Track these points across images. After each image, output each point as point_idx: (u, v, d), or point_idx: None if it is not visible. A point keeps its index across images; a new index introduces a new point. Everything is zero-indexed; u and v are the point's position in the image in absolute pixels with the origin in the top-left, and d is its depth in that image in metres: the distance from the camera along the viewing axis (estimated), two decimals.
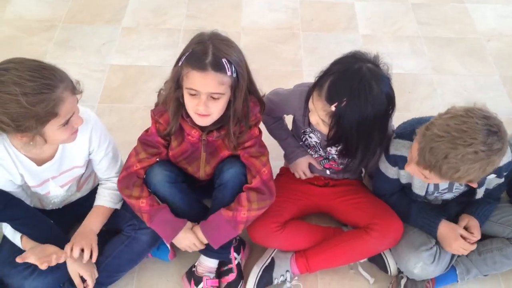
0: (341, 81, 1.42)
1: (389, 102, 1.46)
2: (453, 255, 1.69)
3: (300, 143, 1.77)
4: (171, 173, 1.61)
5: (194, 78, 1.39)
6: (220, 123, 1.53)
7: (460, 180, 1.35)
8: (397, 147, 1.57)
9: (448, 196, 1.70)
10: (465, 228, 1.66)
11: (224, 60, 1.38)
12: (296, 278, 1.73)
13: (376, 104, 1.42)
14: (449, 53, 2.64)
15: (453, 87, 2.47)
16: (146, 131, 1.64)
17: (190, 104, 1.44)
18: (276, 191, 1.75)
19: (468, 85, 2.48)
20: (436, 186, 1.64)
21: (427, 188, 1.64)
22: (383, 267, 1.74)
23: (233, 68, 1.40)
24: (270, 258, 1.74)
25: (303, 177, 1.81)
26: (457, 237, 1.62)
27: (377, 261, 1.75)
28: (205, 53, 1.37)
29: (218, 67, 1.37)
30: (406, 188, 1.69)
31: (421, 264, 1.61)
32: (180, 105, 1.50)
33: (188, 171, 1.67)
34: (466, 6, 2.93)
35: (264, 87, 2.43)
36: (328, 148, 1.69)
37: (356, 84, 1.41)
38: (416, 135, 1.41)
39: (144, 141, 1.62)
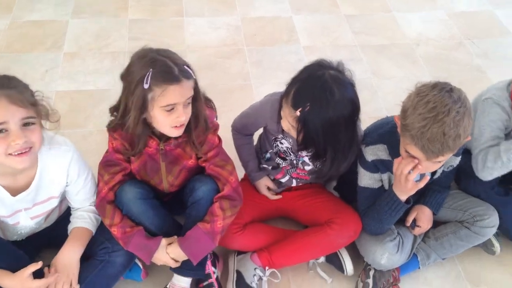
0: (305, 87, 1.51)
1: (353, 107, 1.54)
2: (413, 243, 1.81)
3: (271, 150, 1.82)
4: (142, 189, 1.61)
5: (172, 92, 1.40)
6: None
7: (464, 140, 1.43)
8: (374, 152, 1.65)
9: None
10: (414, 220, 1.79)
11: (185, 67, 1.44)
12: (267, 268, 1.77)
13: (338, 108, 1.50)
14: (384, 58, 2.83)
15: (391, 89, 2.64)
16: (106, 152, 1.64)
17: (168, 120, 1.45)
18: None
19: (404, 86, 2.65)
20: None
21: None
22: (340, 267, 1.82)
23: (192, 70, 1.47)
24: (234, 272, 1.78)
25: (267, 194, 1.87)
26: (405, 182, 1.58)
27: (334, 262, 1.83)
28: (169, 66, 1.40)
29: (187, 74, 1.43)
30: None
31: (387, 255, 1.71)
32: (147, 125, 1.51)
33: (152, 184, 1.68)
34: (394, 15, 3.15)
35: (217, 102, 2.50)
36: (299, 152, 1.76)
37: (318, 89, 1.49)
38: (401, 140, 1.49)
39: (104, 163, 1.62)
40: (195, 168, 1.67)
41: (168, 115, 1.44)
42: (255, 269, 1.76)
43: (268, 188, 1.88)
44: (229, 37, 2.90)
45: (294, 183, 1.87)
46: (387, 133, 1.66)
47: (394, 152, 1.61)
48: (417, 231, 1.80)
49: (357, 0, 3.25)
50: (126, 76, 1.46)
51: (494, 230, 1.79)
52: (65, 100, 2.46)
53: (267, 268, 1.77)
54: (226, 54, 2.79)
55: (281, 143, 1.78)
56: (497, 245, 1.87)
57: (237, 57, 2.76)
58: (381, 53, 2.86)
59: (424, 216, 1.79)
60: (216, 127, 1.64)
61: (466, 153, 1.83)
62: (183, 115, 1.44)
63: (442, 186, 1.83)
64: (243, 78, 2.65)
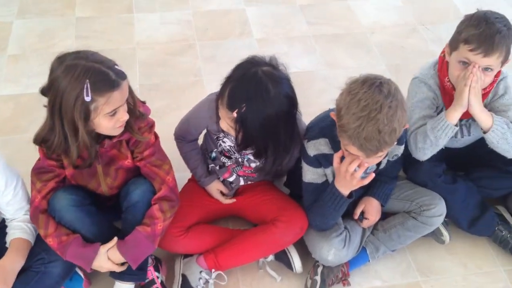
0: (239, 87, 1.48)
1: (290, 102, 1.52)
2: (362, 237, 1.78)
3: (215, 150, 1.78)
4: (76, 196, 1.55)
5: (115, 98, 1.38)
6: None
7: (401, 131, 1.44)
8: (316, 147, 1.63)
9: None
10: (362, 213, 1.77)
11: (116, 67, 1.40)
12: (213, 270, 1.74)
13: (275, 105, 1.48)
14: (338, 48, 2.79)
15: (345, 80, 2.59)
16: (39, 159, 1.58)
17: (111, 124, 1.42)
18: (183, 196, 1.78)
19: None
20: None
21: None
22: (289, 265, 1.79)
23: (121, 68, 1.43)
24: (180, 276, 1.74)
25: (220, 199, 1.83)
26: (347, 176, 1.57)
27: (283, 259, 1.80)
28: (104, 73, 1.36)
29: (123, 75, 1.40)
30: None
31: (333, 251, 1.69)
32: (90, 133, 1.45)
33: (90, 188, 1.62)
34: (349, 3, 3.11)
35: (168, 100, 2.44)
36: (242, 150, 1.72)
37: (253, 88, 1.47)
38: (341, 140, 1.48)
39: (36, 170, 1.57)
40: (133, 168, 1.62)
41: (112, 119, 1.42)
42: (200, 272, 1.72)
43: (222, 193, 1.84)
44: (181, 32, 2.83)
45: (242, 182, 1.83)
46: (328, 126, 1.62)
47: (336, 145, 1.58)
48: (366, 223, 1.78)
49: None
50: (54, 91, 1.37)
51: (441, 219, 1.78)
52: (8, 104, 2.38)
53: (213, 270, 1.73)
54: (177, 50, 2.72)
55: (223, 142, 1.74)
56: (446, 234, 1.86)
57: (188, 53, 2.70)
58: (336, 43, 2.82)
59: (372, 208, 1.77)
60: (151, 125, 1.60)
61: None
62: (126, 115, 1.44)
63: (389, 176, 1.81)
64: (195, 74, 2.60)
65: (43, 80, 2.55)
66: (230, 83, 1.49)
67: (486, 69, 1.62)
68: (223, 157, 1.79)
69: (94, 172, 1.59)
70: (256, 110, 1.47)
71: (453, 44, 1.67)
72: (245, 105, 1.46)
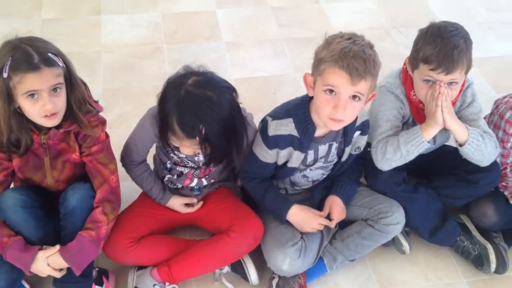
0: (183, 115, 1.44)
1: (230, 91, 1.51)
2: (319, 247, 1.73)
3: (169, 161, 1.73)
4: (26, 197, 1.53)
5: (30, 80, 1.37)
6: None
7: (378, 72, 1.50)
8: (276, 128, 1.60)
9: (317, 174, 1.76)
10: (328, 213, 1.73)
11: (49, 55, 1.40)
12: (167, 284, 1.69)
13: (224, 105, 1.47)
14: (309, 51, 2.71)
15: None
16: None
17: (35, 109, 1.41)
18: (135, 206, 1.77)
19: None
20: (316, 155, 1.68)
21: (304, 161, 1.68)
22: (244, 276, 1.75)
23: (60, 58, 1.43)
24: None
25: (188, 211, 1.79)
26: (310, 216, 1.68)
27: (239, 271, 1.75)
28: (29, 55, 1.38)
29: (49, 62, 1.39)
30: (280, 170, 1.71)
31: (288, 260, 1.63)
32: (22, 117, 1.45)
33: (35, 181, 1.60)
34: (322, 6, 3.07)
35: (131, 105, 2.39)
36: (196, 158, 1.68)
37: (196, 106, 1.44)
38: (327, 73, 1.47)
39: None
40: (80, 163, 1.61)
41: (33, 103, 1.41)
42: (154, 285, 1.67)
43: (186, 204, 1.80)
44: (148, 35, 2.77)
45: (205, 182, 1.79)
46: (293, 106, 1.62)
47: (300, 125, 1.58)
48: (333, 223, 1.73)
49: None
50: None
51: (399, 227, 1.73)
52: None
53: (167, 284, 1.68)
54: (144, 53, 2.67)
55: (174, 154, 1.69)
56: (405, 244, 1.81)
57: (155, 57, 2.65)
58: (306, 46, 2.76)
59: (337, 206, 1.73)
60: (101, 121, 1.59)
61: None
62: (49, 103, 1.41)
63: (351, 179, 1.78)
64: (160, 78, 2.49)
65: None
66: (172, 117, 1.45)
67: (451, 83, 1.60)
68: (178, 167, 1.74)
69: (40, 164, 1.57)
70: (214, 122, 1.44)
71: (414, 63, 1.64)
72: (201, 125, 1.43)
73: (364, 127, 1.70)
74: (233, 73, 2.59)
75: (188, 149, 1.54)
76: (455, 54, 1.55)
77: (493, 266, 1.79)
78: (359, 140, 1.71)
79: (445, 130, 1.69)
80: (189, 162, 1.71)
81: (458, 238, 1.85)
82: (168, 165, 1.75)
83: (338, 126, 1.55)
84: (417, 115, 1.75)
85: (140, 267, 1.73)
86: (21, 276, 1.58)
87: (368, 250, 1.77)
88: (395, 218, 1.71)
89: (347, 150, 1.69)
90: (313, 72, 1.53)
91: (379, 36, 2.88)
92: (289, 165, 1.66)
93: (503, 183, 1.83)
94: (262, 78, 2.59)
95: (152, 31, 2.80)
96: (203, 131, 1.43)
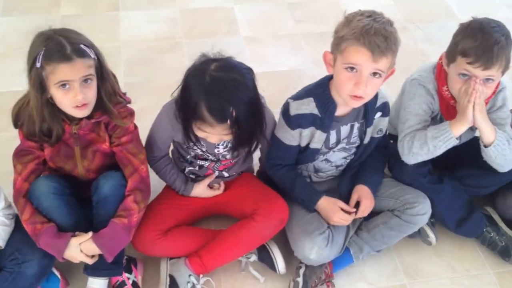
0: (213, 101, 1.44)
1: (251, 71, 1.54)
2: (346, 237, 1.73)
3: (189, 156, 1.75)
4: (58, 184, 1.55)
5: (63, 70, 1.39)
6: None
7: (398, 49, 1.51)
8: (297, 107, 1.61)
9: (339, 158, 1.75)
10: (357, 203, 1.72)
11: (82, 46, 1.42)
12: (201, 276, 1.70)
13: (250, 86, 1.49)
14: (325, 47, 2.72)
15: None
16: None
17: (66, 100, 1.43)
18: (161, 198, 1.78)
19: None
20: (338, 136, 1.68)
21: (327, 143, 1.68)
22: (272, 266, 1.75)
23: (92, 50, 1.45)
24: (167, 277, 1.69)
25: (214, 194, 1.81)
26: (336, 210, 1.68)
27: (266, 260, 1.75)
28: (62, 45, 1.40)
29: (81, 53, 1.41)
30: (303, 154, 1.71)
31: (316, 249, 1.63)
32: (54, 107, 1.47)
33: (66, 170, 1.61)
34: (338, 1, 3.07)
35: (152, 99, 2.40)
36: (216, 150, 1.68)
37: (225, 90, 1.45)
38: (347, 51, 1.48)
39: (17, 153, 1.58)
40: (110, 154, 1.62)
41: (65, 93, 1.42)
42: (189, 275, 1.67)
43: (210, 186, 1.80)
44: (167, 30, 2.79)
45: (226, 174, 1.80)
46: (313, 86, 1.65)
47: (320, 103, 1.60)
48: (361, 213, 1.72)
49: None
50: (28, 57, 1.44)
51: (426, 218, 1.73)
52: None
53: (201, 276, 1.69)
54: (163, 48, 2.68)
55: (194, 149, 1.71)
56: (432, 235, 1.81)
57: (174, 51, 2.66)
58: (324, 41, 2.75)
59: (364, 197, 1.72)
60: (130, 112, 1.61)
61: (396, 141, 1.78)
62: (80, 94, 1.42)
63: (376, 168, 1.78)
64: (181, 72, 2.49)
65: (26, 78, 2.54)
66: (200, 105, 1.45)
67: (487, 80, 1.59)
68: (198, 160, 1.75)
69: (71, 153, 1.59)
70: (242, 103, 1.46)
71: (451, 56, 1.63)
72: (231, 108, 1.44)
73: (385, 109, 1.70)
74: (252, 67, 2.58)
75: (215, 137, 1.54)
76: (495, 49, 1.53)
77: None
78: (380, 122, 1.72)
79: (471, 129, 1.68)
80: (209, 155, 1.72)
81: (484, 230, 1.84)
82: (189, 159, 1.76)
83: (358, 103, 1.56)
84: (446, 111, 1.74)
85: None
86: (52, 263, 1.59)
87: (395, 241, 1.77)
88: (422, 208, 1.71)
89: (369, 131, 1.70)
90: (333, 50, 1.54)
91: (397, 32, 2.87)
92: (312, 146, 1.66)
93: None
94: (281, 72, 2.59)
95: (170, 26, 2.81)
96: (234, 113, 1.44)
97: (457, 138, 1.64)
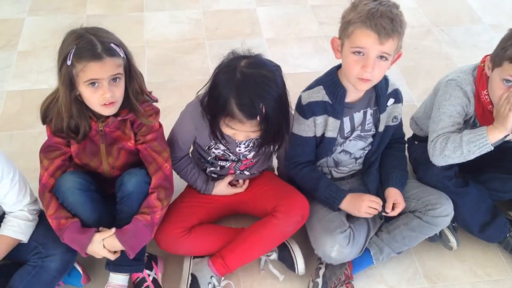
0: (244, 96, 1.44)
1: (280, 69, 1.54)
2: (367, 237, 1.72)
3: (209, 157, 1.76)
4: (84, 180, 1.57)
5: (93, 69, 1.41)
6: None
7: (404, 31, 1.53)
8: (309, 96, 1.64)
9: (357, 148, 1.75)
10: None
11: (112, 45, 1.44)
12: (223, 278, 1.71)
13: (279, 83, 1.50)
14: None
15: None
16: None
17: (95, 97, 1.45)
18: (184, 196, 1.80)
19: None
20: (352, 124, 1.69)
21: (342, 131, 1.69)
22: (291, 266, 1.75)
23: (121, 49, 1.47)
24: (189, 275, 1.70)
25: (236, 191, 1.82)
26: (364, 198, 1.68)
27: (286, 260, 1.75)
28: (93, 44, 1.41)
29: (111, 52, 1.43)
30: (320, 146, 1.71)
31: (337, 247, 1.63)
32: (82, 104, 1.50)
33: (91, 167, 1.64)
34: None
35: (174, 98, 2.43)
36: (237, 149, 1.70)
37: (256, 86, 1.46)
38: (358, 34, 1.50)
39: (44, 149, 1.60)
40: (135, 151, 1.64)
41: (93, 91, 1.44)
42: (211, 277, 1.68)
43: (231, 184, 1.82)
44: (190, 31, 2.82)
45: (247, 173, 1.81)
46: (323, 76, 1.68)
47: (330, 91, 1.62)
48: (395, 211, 1.70)
49: None
50: (59, 55, 1.46)
51: (448, 219, 1.71)
52: (15, 100, 2.39)
53: (222, 278, 1.70)
54: (187, 48, 2.71)
55: (215, 149, 1.71)
56: (453, 240, 1.79)
57: (197, 52, 2.69)
58: None
59: (399, 195, 1.71)
60: (155, 111, 1.62)
61: (422, 142, 1.77)
62: (108, 92, 1.44)
63: (401, 168, 1.78)
64: (203, 73, 2.56)
65: (52, 76, 2.58)
66: (230, 101, 1.45)
67: None
68: (219, 161, 1.77)
69: (97, 150, 1.61)
70: (272, 99, 1.47)
71: (497, 61, 1.59)
72: (262, 104, 1.45)
73: (397, 95, 1.72)
74: None
75: (243, 134, 1.54)
76: None
77: None
78: (394, 109, 1.72)
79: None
80: (230, 155, 1.73)
81: (508, 235, 1.81)
82: (210, 160, 1.78)
83: (366, 86, 1.57)
84: (481, 116, 1.71)
85: (197, 256, 1.74)
86: (75, 258, 1.61)
87: (415, 243, 1.75)
88: (444, 210, 1.69)
89: (383, 117, 1.70)
90: (340, 35, 1.57)
91: (421, 35, 2.87)
92: (327, 135, 1.67)
93: None
94: (304, 74, 2.59)
95: (193, 27, 2.84)
96: (263, 109, 1.45)
97: (492, 145, 1.62)
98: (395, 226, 1.74)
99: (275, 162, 1.96)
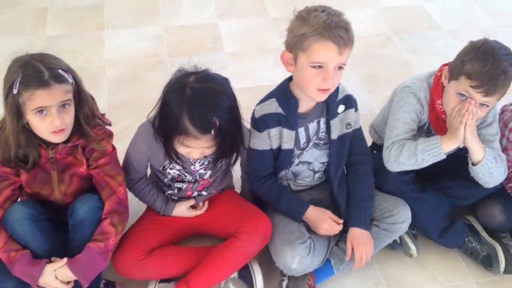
0: (196, 112, 1.44)
1: (228, 81, 1.54)
2: (327, 247, 1.73)
3: (166, 179, 1.75)
4: (33, 210, 1.54)
5: (40, 97, 1.39)
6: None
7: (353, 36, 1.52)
8: (261, 109, 1.65)
9: (314, 157, 1.75)
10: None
11: (59, 71, 1.42)
12: None
13: (230, 95, 1.51)
14: None
15: None
16: None
17: (43, 125, 1.43)
18: (143, 219, 1.77)
19: None
20: (307, 135, 1.69)
21: (298, 143, 1.69)
22: (250, 284, 1.74)
23: (69, 75, 1.45)
24: None
25: (196, 213, 1.80)
26: (326, 218, 1.69)
27: (246, 277, 1.75)
28: (39, 71, 1.39)
29: (59, 79, 1.41)
30: (278, 159, 1.71)
31: (298, 258, 1.63)
32: (30, 132, 1.47)
33: (43, 195, 1.60)
34: None
35: (135, 117, 2.40)
36: (192, 167, 1.69)
37: (207, 100, 1.46)
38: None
39: None
40: (87, 177, 1.61)
41: (42, 119, 1.42)
42: None
43: (192, 207, 1.80)
44: (152, 48, 2.81)
45: (205, 193, 1.80)
46: (275, 88, 1.69)
47: (283, 103, 1.63)
48: (359, 260, 1.67)
49: (286, 2, 3.18)
50: (4, 83, 1.44)
51: (405, 226, 1.73)
52: None
53: None
54: (148, 66, 2.69)
55: (170, 169, 1.70)
56: (413, 247, 1.81)
57: (159, 69, 2.67)
58: None
59: (357, 238, 1.68)
60: (108, 134, 1.60)
61: (380, 151, 1.78)
62: (57, 120, 1.42)
63: (363, 196, 1.74)
64: None
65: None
66: (183, 118, 1.44)
67: (482, 104, 1.59)
68: (176, 183, 1.75)
69: (48, 178, 1.58)
70: (224, 111, 1.47)
71: (454, 73, 1.61)
72: (215, 118, 1.44)
73: (348, 101, 1.71)
74: (236, 83, 2.56)
75: (198, 151, 1.52)
76: (501, 79, 1.53)
77: (502, 266, 1.77)
78: (347, 116, 1.72)
79: None
80: (186, 175, 1.72)
81: (466, 239, 1.84)
82: (166, 183, 1.76)
83: (326, 96, 1.58)
84: (435, 123, 1.74)
85: (162, 280, 1.72)
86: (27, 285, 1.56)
87: (375, 252, 1.75)
88: (401, 216, 1.71)
89: (334, 124, 1.70)
90: (291, 49, 1.55)
91: (380, 43, 2.91)
92: (284, 147, 1.67)
93: (510, 185, 1.82)
94: (266, 87, 2.55)
95: (155, 44, 2.83)
96: (217, 123, 1.44)
97: (445, 154, 1.64)
98: None
99: (236, 177, 1.95)
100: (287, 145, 1.68)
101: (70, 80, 1.44)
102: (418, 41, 2.91)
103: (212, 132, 1.45)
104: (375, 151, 2.00)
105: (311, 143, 1.73)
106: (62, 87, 1.41)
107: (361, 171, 1.79)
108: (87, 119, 1.52)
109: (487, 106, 1.60)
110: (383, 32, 3.00)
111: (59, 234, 1.60)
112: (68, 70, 1.46)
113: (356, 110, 1.75)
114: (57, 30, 2.89)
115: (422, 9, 3.19)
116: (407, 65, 2.76)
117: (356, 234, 1.69)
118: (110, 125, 1.64)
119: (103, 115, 1.64)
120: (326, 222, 1.69)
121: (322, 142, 1.74)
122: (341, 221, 1.71)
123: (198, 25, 2.99)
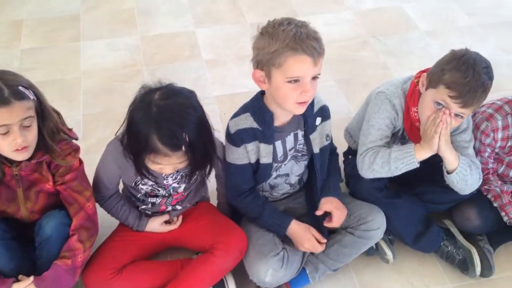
0: (165, 129, 1.41)
1: (194, 93, 1.52)
2: (302, 257, 1.72)
3: (139, 195, 1.72)
4: None
5: (1, 114, 1.36)
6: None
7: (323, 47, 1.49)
8: (236, 124, 1.62)
9: (291, 168, 1.74)
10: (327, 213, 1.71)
11: (20, 88, 1.39)
12: None
13: (197, 107, 1.48)
14: None
15: None
16: None
17: (5, 144, 1.41)
18: (115, 235, 1.75)
19: None
20: (285, 148, 1.68)
21: (275, 156, 1.68)
22: None
23: (31, 91, 1.42)
24: None
25: (170, 229, 1.78)
26: (309, 237, 1.68)
27: None
28: None
29: (20, 96, 1.39)
30: (257, 173, 1.70)
31: (271, 271, 1.61)
32: None
33: (9, 214, 1.58)
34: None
35: (111, 129, 2.38)
36: (165, 182, 1.67)
37: (174, 116, 1.43)
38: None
39: None
40: (54, 193, 1.59)
41: (4, 138, 1.40)
42: None
43: (165, 222, 1.78)
44: (128, 58, 2.79)
45: (179, 208, 1.78)
46: (249, 102, 1.66)
47: (258, 117, 1.60)
48: (334, 222, 1.70)
49: (263, 7, 3.18)
50: None
51: (380, 232, 1.72)
52: None
53: None
54: (124, 76, 2.68)
55: (143, 184, 1.68)
56: (389, 253, 1.79)
57: (135, 79, 2.65)
58: None
59: (336, 205, 1.72)
60: (75, 149, 1.58)
61: (354, 156, 1.77)
62: (20, 137, 1.40)
63: (333, 173, 1.81)
64: None
65: None
66: (151, 137, 1.42)
67: (457, 115, 1.59)
68: (149, 198, 1.73)
69: (14, 196, 1.56)
70: (193, 125, 1.45)
71: (433, 82, 1.59)
72: (184, 134, 1.42)
73: (324, 112, 1.70)
74: (213, 90, 2.60)
75: (170, 167, 1.51)
76: (479, 92, 1.53)
77: (478, 269, 1.76)
78: (324, 128, 1.71)
79: None
80: (159, 190, 1.70)
81: (442, 243, 1.83)
82: (140, 198, 1.74)
83: (304, 109, 1.55)
84: (409, 130, 1.74)
85: None
86: None
87: (350, 259, 1.75)
88: (375, 223, 1.70)
89: (314, 138, 1.69)
90: (263, 67, 1.51)
91: (357, 46, 2.90)
92: (262, 161, 1.65)
93: (486, 187, 1.82)
94: (243, 94, 2.56)
95: (131, 54, 2.82)
96: (187, 138, 1.42)
97: (418, 163, 1.64)
98: (329, 244, 1.74)
99: (211, 189, 1.93)
100: (266, 159, 1.66)
101: (31, 96, 1.42)
102: (395, 42, 2.91)
103: (183, 148, 1.43)
104: (350, 156, 1.99)
105: (289, 156, 1.71)
106: (23, 104, 1.39)
107: (331, 159, 1.82)
108: (51, 134, 1.50)
109: (462, 117, 1.60)
110: (360, 34, 2.99)
111: (27, 251, 1.58)
112: (29, 86, 1.43)
113: (330, 119, 1.74)
114: (32, 42, 2.87)
115: (400, 10, 3.19)
116: (385, 67, 2.75)
117: (331, 200, 1.72)
118: (77, 139, 1.62)
119: (70, 129, 1.61)
120: (309, 241, 1.68)
121: (300, 154, 1.73)
122: (325, 240, 1.69)
123: (175, 33, 2.97)
